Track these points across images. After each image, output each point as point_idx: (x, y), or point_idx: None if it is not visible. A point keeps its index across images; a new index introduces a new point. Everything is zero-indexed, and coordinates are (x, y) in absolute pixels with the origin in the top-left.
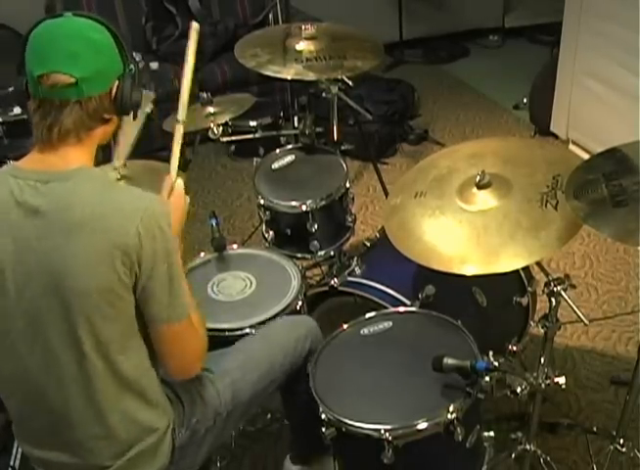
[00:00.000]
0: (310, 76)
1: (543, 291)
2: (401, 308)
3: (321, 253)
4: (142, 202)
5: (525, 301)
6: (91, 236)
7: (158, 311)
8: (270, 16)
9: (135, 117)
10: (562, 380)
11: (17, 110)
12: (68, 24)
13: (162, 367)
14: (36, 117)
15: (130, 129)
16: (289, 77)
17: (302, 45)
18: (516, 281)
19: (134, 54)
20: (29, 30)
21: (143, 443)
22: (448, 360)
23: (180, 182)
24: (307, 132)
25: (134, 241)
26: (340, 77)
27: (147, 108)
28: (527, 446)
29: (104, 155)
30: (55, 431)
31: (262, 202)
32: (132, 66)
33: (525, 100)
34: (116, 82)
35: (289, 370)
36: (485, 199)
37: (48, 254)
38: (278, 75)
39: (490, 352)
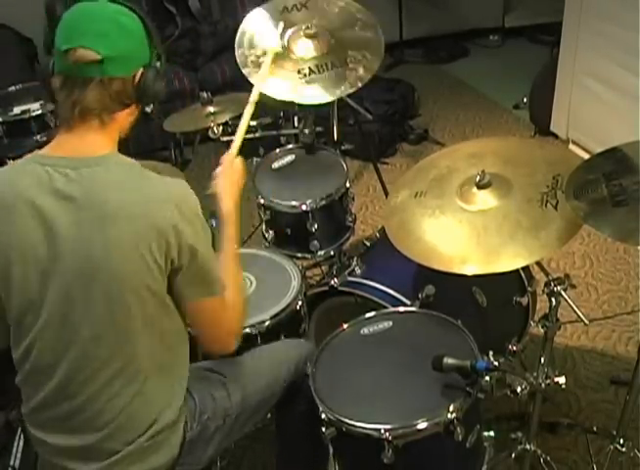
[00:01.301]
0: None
1: (543, 291)
2: (401, 308)
3: (321, 253)
4: (176, 188)
5: (525, 300)
6: (128, 222)
7: (198, 289)
8: None
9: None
10: (562, 380)
11: (17, 110)
12: (102, 7)
13: (199, 340)
14: (61, 96)
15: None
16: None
17: (303, 47)
18: (516, 281)
19: None
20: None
21: (158, 432)
22: (448, 360)
23: (240, 160)
24: (307, 132)
25: (172, 226)
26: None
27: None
28: (527, 446)
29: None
30: (76, 417)
31: (262, 201)
32: (159, 62)
33: (524, 100)
34: (141, 70)
35: (288, 386)
36: (485, 199)
37: (84, 240)
38: None
39: (490, 352)
